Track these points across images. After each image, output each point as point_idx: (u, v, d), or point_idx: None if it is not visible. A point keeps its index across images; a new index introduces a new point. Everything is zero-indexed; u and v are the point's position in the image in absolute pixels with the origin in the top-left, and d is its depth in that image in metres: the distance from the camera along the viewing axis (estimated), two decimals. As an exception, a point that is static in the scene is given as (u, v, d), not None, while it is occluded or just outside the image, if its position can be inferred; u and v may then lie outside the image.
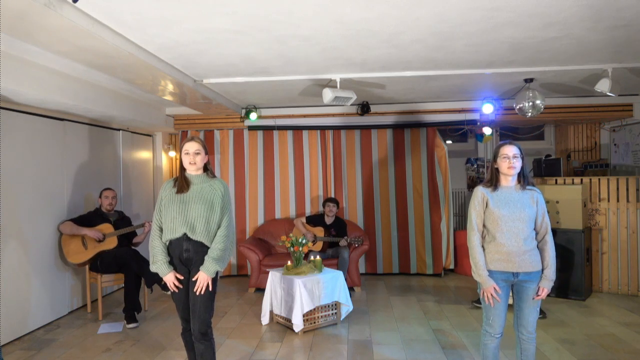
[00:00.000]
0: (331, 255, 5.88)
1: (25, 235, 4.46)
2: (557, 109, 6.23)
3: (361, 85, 5.16)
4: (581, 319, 4.63)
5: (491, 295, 2.74)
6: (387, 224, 6.81)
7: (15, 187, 4.34)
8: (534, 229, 2.79)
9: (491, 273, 2.77)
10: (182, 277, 2.88)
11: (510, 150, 2.75)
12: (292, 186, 6.91)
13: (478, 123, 6.52)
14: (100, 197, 5.13)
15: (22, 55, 3.70)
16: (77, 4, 2.66)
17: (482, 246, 2.82)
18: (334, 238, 5.87)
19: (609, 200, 5.60)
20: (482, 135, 6.79)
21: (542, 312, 4.71)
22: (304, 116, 6.70)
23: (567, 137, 7.42)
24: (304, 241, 4.73)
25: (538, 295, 2.76)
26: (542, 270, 2.78)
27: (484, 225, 2.83)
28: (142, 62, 3.66)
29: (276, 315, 4.67)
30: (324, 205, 6.10)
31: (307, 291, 4.32)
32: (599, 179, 5.67)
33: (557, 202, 5.41)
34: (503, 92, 5.83)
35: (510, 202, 2.75)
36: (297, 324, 4.26)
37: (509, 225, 2.72)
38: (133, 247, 5.16)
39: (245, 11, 2.90)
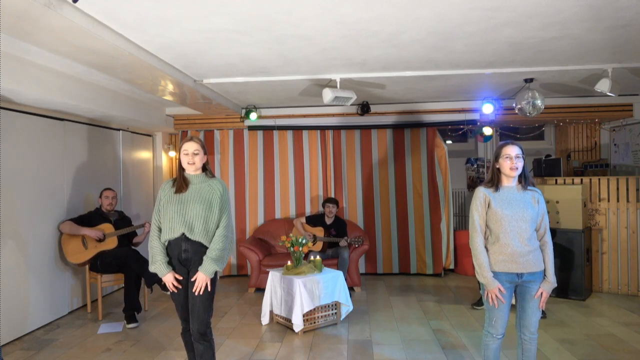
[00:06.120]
0: (331, 255, 5.88)
1: (25, 235, 4.46)
2: (557, 109, 6.23)
3: (361, 85, 5.16)
4: (581, 319, 4.63)
5: (496, 296, 2.74)
6: (387, 224, 6.81)
7: (15, 187, 4.34)
8: (534, 229, 2.79)
9: (496, 275, 2.75)
10: (181, 278, 2.88)
11: (512, 151, 2.74)
12: (292, 186, 6.91)
13: (478, 123, 6.52)
14: (100, 197, 5.13)
15: (22, 55, 3.69)
16: (77, 4, 2.66)
17: (486, 247, 2.81)
18: (334, 238, 5.87)
19: (609, 200, 5.60)
20: (484, 135, 6.78)
21: (542, 312, 4.70)
22: (304, 116, 6.69)
23: (567, 137, 7.42)
24: (304, 241, 4.73)
25: (541, 301, 2.76)
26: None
27: (486, 226, 2.82)
28: (142, 62, 3.66)
29: (276, 315, 4.67)
30: (323, 206, 6.09)
31: (307, 291, 4.32)
32: (599, 179, 5.67)
33: (557, 202, 5.41)
34: (503, 92, 5.83)
35: (512, 202, 2.74)
36: (297, 324, 4.26)
37: (513, 225, 2.72)
38: (133, 247, 5.16)
39: (245, 11, 2.90)
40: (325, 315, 4.55)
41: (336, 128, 6.82)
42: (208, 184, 2.93)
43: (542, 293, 2.75)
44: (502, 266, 2.74)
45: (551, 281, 2.75)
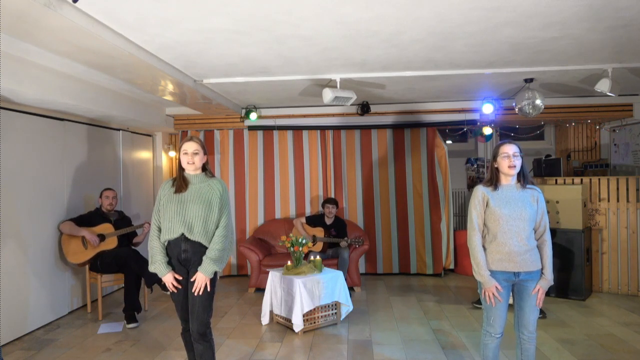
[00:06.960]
0: (331, 255, 5.88)
1: (25, 235, 4.46)
2: (557, 109, 6.24)
3: (361, 85, 5.16)
4: (581, 319, 4.63)
5: (493, 295, 2.74)
6: (387, 224, 6.81)
7: (15, 187, 4.34)
8: (533, 228, 2.79)
9: (493, 273, 2.76)
10: (180, 278, 2.88)
11: (510, 149, 2.75)
12: (292, 186, 6.91)
13: (478, 123, 6.52)
14: (100, 197, 5.13)
15: (22, 55, 3.69)
16: (77, 4, 2.66)
17: (483, 246, 2.82)
18: (334, 239, 5.87)
19: (609, 200, 5.60)
20: (486, 135, 6.77)
21: (542, 312, 4.71)
22: (304, 116, 6.70)
23: (567, 137, 7.42)
24: (304, 241, 4.73)
25: (537, 299, 2.77)
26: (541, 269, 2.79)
27: (484, 225, 2.83)
28: (142, 62, 3.66)
29: (276, 315, 4.67)
30: (323, 206, 6.09)
31: (307, 291, 4.32)
32: (599, 179, 5.67)
33: (557, 202, 5.41)
34: (503, 92, 5.83)
35: (511, 201, 2.75)
36: (297, 324, 4.26)
37: (510, 224, 2.72)
38: (133, 247, 5.16)
39: (245, 11, 2.90)
40: (325, 315, 4.55)
41: (336, 128, 6.82)
42: (208, 183, 2.93)
43: (539, 290, 2.75)
44: (499, 265, 2.75)
45: (548, 279, 2.76)
